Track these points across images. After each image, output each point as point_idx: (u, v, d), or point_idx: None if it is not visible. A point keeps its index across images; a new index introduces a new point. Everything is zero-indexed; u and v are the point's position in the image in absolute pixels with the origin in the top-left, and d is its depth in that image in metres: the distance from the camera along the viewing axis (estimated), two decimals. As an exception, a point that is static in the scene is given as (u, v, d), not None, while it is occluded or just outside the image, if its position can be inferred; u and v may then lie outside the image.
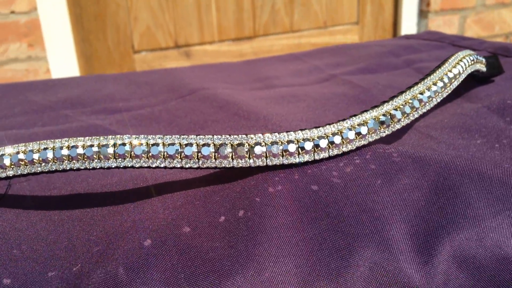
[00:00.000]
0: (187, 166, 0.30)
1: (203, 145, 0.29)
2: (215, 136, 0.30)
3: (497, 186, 0.31)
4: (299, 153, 0.31)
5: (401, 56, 0.64)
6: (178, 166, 0.30)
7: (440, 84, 0.37)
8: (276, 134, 0.31)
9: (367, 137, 0.33)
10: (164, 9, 1.50)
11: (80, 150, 0.29)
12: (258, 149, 0.30)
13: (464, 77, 0.40)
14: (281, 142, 0.30)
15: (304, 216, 0.28)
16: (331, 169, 0.31)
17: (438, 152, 0.35)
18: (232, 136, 0.30)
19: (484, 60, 0.47)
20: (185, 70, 0.65)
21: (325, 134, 0.31)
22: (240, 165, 0.30)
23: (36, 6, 1.31)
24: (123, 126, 0.47)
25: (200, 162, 0.29)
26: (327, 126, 0.32)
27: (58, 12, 1.37)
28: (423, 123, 0.45)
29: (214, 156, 0.30)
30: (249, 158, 0.30)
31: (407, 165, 0.32)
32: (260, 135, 0.30)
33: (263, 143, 0.30)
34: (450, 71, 0.38)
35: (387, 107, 0.34)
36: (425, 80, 0.36)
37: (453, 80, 0.38)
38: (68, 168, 0.29)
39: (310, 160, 0.31)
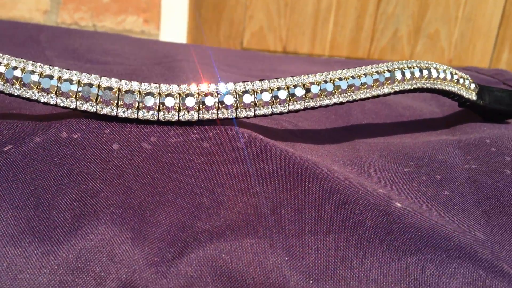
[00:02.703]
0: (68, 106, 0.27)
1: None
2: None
3: (335, 206, 0.24)
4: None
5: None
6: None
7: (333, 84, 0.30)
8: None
9: (222, 111, 0.28)
10: (281, 13, 1.49)
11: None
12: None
13: (402, 89, 0.32)
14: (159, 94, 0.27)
15: (72, 171, 0.24)
16: (152, 134, 0.27)
17: (304, 153, 0.28)
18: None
19: (475, 86, 0.38)
20: (200, 48, 0.63)
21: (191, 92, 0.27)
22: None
23: (160, -15, 1.37)
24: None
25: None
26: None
27: (179, -5, 1.42)
28: (373, 140, 0.37)
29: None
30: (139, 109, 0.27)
31: (247, 153, 0.26)
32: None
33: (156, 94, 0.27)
34: (372, 73, 0.31)
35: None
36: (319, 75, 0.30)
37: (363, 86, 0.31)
38: None
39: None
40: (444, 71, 0.35)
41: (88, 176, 0.24)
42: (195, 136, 0.27)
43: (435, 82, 0.34)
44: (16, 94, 0.26)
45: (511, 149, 0.35)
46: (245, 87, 0.28)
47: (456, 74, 0.36)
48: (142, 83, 0.27)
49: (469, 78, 0.38)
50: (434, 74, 0.34)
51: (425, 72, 0.33)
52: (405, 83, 0.32)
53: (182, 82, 0.42)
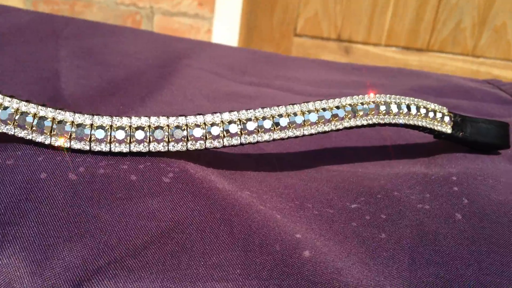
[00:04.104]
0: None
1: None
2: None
3: (238, 252, 0.25)
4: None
5: (443, 98, 0.53)
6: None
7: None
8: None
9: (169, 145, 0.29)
10: (337, 0, 1.46)
11: None
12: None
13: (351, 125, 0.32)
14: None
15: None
16: (83, 164, 0.28)
17: (240, 187, 0.29)
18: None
19: (449, 119, 0.36)
20: (218, 48, 0.63)
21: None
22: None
23: (215, -31, 1.38)
24: (81, 74, 0.48)
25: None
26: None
27: (234, -21, 1.42)
28: (338, 168, 0.37)
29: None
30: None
31: (170, 190, 0.27)
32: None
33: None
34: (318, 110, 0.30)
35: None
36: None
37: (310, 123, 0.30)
38: None
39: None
40: (408, 105, 0.34)
41: (8, 205, 0.25)
42: (125, 167, 0.28)
43: (395, 117, 0.33)
44: None
45: (473, 189, 0.33)
46: (178, 122, 0.29)
47: (424, 108, 0.35)
48: (76, 114, 0.28)
49: (443, 111, 0.36)
50: (394, 109, 0.33)
51: (382, 107, 0.32)
52: (357, 119, 0.32)
53: (164, 95, 0.43)
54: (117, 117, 0.28)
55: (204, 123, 0.29)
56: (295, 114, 0.30)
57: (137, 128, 0.28)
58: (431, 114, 0.35)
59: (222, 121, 0.29)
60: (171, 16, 1.47)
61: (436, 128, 0.36)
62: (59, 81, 0.47)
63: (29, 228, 0.25)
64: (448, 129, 0.36)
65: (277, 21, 1.50)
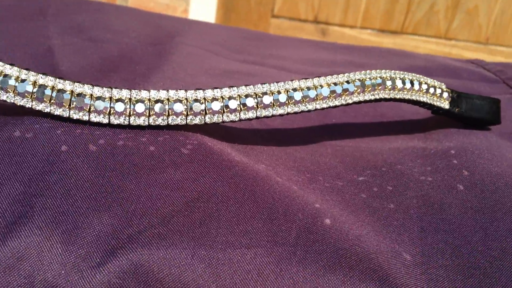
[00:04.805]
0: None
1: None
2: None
3: (264, 221, 0.26)
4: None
5: (433, 77, 0.55)
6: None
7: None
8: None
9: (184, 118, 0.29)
10: (314, -19, 1.47)
11: None
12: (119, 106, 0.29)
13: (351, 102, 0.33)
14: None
15: (19, 172, 0.26)
16: (102, 136, 0.28)
17: (257, 160, 0.30)
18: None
19: (448, 95, 0.38)
20: (207, 26, 0.63)
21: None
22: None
23: None
24: (74, 51, 0.48)
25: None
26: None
27: (211, -42, 1.41)
28: (341, 143, 0.38)
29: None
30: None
31: (192, 161, 0.28)
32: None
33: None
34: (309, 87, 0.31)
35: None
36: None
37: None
38: None
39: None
40: (411, 81, 0.35)
41: (33, 178, 0.26)
42: (144, 140, 0.28)
43: (399, 92, 0.34)
44: None
45: (472, 162, 0.35)
46: (196, 95, 0.29)
47: (425, 83, 0.36)
48: (95, 87, 0.28)
49: (442, 87, 0.37)
50: (399, 84, 0.34)
51: (389, 83, 0.34)
52: (365, 93, 0.33)
53: (166, 71, 0.43)
54: (136, 90, 0.29)
55: (222, 97, 0.29)
56: (308, 88, 0.31)
57: (156, 101, 0.29)
58: (431, 90, 0.36)
59: (239, 95, 0.30)
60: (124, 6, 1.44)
61: (435, 104, 0.37)
62: (54, 57, 0.47)
63: (56, 199, 0.25)
64: (446, 105, 0.38)
65: (254, 1, 1.50)
